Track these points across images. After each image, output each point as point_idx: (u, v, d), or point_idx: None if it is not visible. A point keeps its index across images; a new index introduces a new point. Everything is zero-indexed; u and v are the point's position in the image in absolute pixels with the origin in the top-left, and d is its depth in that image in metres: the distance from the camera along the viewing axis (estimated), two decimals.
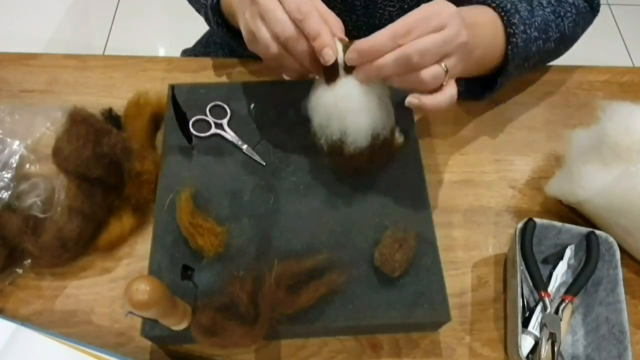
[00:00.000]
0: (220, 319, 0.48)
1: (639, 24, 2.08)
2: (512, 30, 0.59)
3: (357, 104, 0.51)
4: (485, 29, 0.59)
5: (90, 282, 0.57)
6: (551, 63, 0.77)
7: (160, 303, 0.40)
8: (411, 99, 0.50)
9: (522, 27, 0.60)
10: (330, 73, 0.51)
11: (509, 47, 0.60)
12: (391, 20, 0.70)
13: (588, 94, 0.75)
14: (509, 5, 0.60)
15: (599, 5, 0.71)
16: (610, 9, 2.08)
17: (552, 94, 0.75)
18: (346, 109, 0.51)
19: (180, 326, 0.48)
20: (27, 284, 0.57)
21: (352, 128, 0.52)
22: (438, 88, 0.50)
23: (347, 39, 0.51)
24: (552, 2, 0.65)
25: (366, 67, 0.49)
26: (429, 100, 0.49)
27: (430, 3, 0.50)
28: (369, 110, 0.52)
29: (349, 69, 0.50)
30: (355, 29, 0.73)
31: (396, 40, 0.47)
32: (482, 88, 0.67)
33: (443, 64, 0.49)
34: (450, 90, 0.50)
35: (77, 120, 0.57)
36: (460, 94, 0.57)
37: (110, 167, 0.57)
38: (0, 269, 0.55)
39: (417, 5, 0.68)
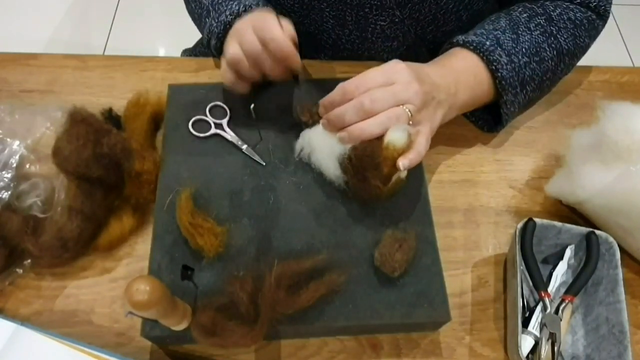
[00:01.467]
0: (220, 319, 0.48)
1: (639, 24, 2.08)
2: (494, 67, 0.62)
3: (321, 149, 0.58)
4: (464, 74, 0.62)
5: (90, 282, 0.57)
6: None
7: (160, 303, 0.40)
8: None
9: (505, 59, 0.62)
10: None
11: (497, 81, 0.62)
12: (383, 33, 0.72)
13: (588, 94, 0.75)
14: (487, 44, 0.62)
15: (607, 11, 0.70)
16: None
17: (552, 94, 0.75)
18: (311, 152, 0.59)
19: (180, 326, 0.48)
20: (27, 284, 0.57)
21: (323, 167, 0.58)
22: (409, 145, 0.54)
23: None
24: (542, 23, 0.66)
25: (328, 115, 0.56)
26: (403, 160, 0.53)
27: (381, 65, 0.57)
28: (329, 154, 0.57)
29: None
30: (349, 43, 0.74)
31: (346, 96, 0.55)
32: (493, 118, 0.70)
33: (405, 107, 0.54)
34: (421, 138, 0.55)
35: (77, 120, 0.57)
36: (479, 125, 0.70)
37: (110, 167, 0.57)
38: (0, 269, 0.55)
39: (408, 18, 0.69)
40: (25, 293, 0.56)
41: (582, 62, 0.77)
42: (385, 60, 0.59)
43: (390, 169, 0.53)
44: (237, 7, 0.64)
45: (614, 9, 2.20)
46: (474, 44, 0.63)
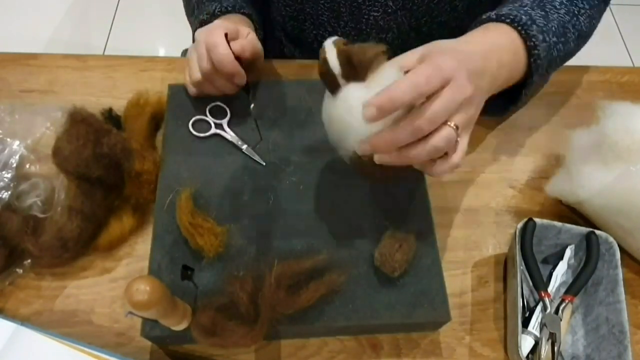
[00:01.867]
0: (220, 319, 0.48)
1: (639, 24, 2.08)
2: (532, 43, 0.56)
3: (360, 117, 0.46)
4: (504, 51, 0.56)
5: (90, 282, 0.57)
6: None
7: (160, 303, 0.40)
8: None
9: (540, 37, 0.57)
10: (330, 82, 0.49)
11: (532, 59, 0.57)
12: (377, 25, 0.72)
13: (588, 94, 0.75)
14: (524, 18, 0.57)
15: None
16: (610, 9, 2.08)
17: (552, 94, 0.75)
18: (352, 122, 0.48)
19: (180, 326, 0.48)
20: (27, 284, 0.57)
21: (337, 141, 0.50)
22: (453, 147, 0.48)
23: (342, 40, 0.50)
24: (564, 2, 0.62)
25: (380, 140, 0.47)
26: (439, 168, 0.49)
27: (434, 55, 0.49)
28: (357, 136, 0.48)
29: (348, 76, 0.48)
30: (344, 35, 0.74)
31: (404, 97, 0.45)
32: (505, 102, 0.64)
33: (452, 123, 0.47)
34: (462, 146, 0.50)
35: (77, 120, 0.57)
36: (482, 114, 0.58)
37: (110, 167, 0.57)
38: (0, 269, 0.55)
39: (402, 9, 0.68)
40: (25, 293, 0.56)
41: (582, 62, 0.77)
42: None
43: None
44: (212, 8, 0.66)
45: (614, 9, 2.20)
46: (511, 17, 0.57)
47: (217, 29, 0.60)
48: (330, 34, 0.74)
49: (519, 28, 0.57)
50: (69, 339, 0.50)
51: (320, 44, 0.67)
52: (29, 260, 0.56)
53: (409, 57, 0.50)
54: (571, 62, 0.75)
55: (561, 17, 0.61)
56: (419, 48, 0.52)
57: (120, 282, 0.57)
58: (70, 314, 0.55)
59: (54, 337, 0.50)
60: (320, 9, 0.72)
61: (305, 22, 0.73)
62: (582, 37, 0.65)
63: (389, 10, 0.70)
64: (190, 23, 0.77)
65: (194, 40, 0.69)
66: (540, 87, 0.66)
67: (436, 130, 0.46)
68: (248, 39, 0.63)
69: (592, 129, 0.60)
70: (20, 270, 0.56)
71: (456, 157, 0.49)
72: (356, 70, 0.48)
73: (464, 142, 0.50)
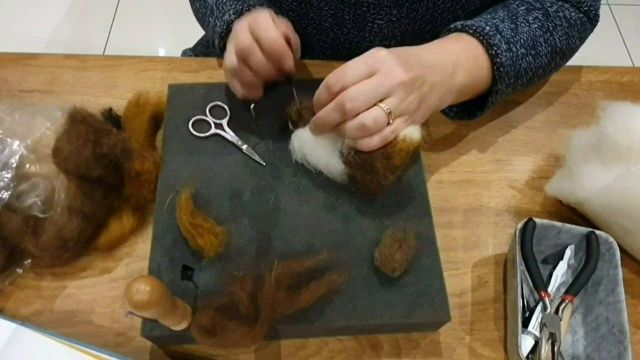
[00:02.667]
0: (220, 319, 0.48)
1: (639, 24, 2.08)
2: (494, 52, 0.59)
3: (320, 145, 0.57)
4: (461, 54, 0.59)
5: (90, 282, 0.57)
6: None
7: (160, 303, 0.40)
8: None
9: (505, 46, 0.60)
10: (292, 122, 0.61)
11: (495, 67, 0.60)
12: (380, 32, 0.72)
13: (588, 94, 0.75)
14: (487, 28, 0.60)
15: (597, 15, 0.70)
16: (610, 9, 2.08)
17: (552, 94, 0.75)
18: (307, 153, 0.58)
19: (180, 326, 0.48)
20: (27, 284, 0.57)
21: (322, 165, 0.58)
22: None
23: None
24: (540, 17, 0.65)
25: (313, 120, 0.55)
26: (363, 143, 0.53)
27: (363, 54, 0.54)
28: (325, 151, 0.57)
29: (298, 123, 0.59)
30: (347, 42, 0.74)
31: (330, 90, 0.53)
32: (474, 108, 0.66)
33: (384, 105, 0.52)
34: (393, 128, 0.53)
35: (77, 120, 0.57)
36: (450, 116, 0.67)
37: (110, 167, 0.57)
38: (0, 269, 0.55)
39: (405, 17, 0.69)
40: (25, 293, 0.56)
41: (582, 62, 0.77)
42: None
43: (403, 160, 0.54)
44: (240, 7, 0.64)
45: (614, 9, 2.20)
46: (474, 28, 0.60)
47: (263, 13, 0.58)
48: (333, 40, 0.74)
49: (480, 38, 0.60)
50: (69, 339, 0.50)
51: (322, 50, 0.67)
52: (29, 260, 0.56)
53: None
54: (571, 62, 0.75)
55: (533, 31, 0.64)
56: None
57: (120, 282, 0.57)
58: (70, 314, 0.55)
59: (54, 337, 0.50)
60: (324, 16, 0.72)
61: (308, 27, 0.73)
62: (558, 54, 0.66)
63: (393, 19, 0.70)
64: (204, 25, 0.76)
65: (213, 44, 0.69)
66: (510, 95, 0.67)
67: (367, 109, 0.52)
68: (289, 25, 0.62)
69: (592, 129, 0.60)
70: (20, 270, 0.56)
71: (385, 132, 0.53)
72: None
73: (398, 125, 0.53)
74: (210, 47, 0.78)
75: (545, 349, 0.53)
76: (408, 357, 0.55)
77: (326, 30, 0.74)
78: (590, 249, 0.57)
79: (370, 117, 0.52)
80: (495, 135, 0.70)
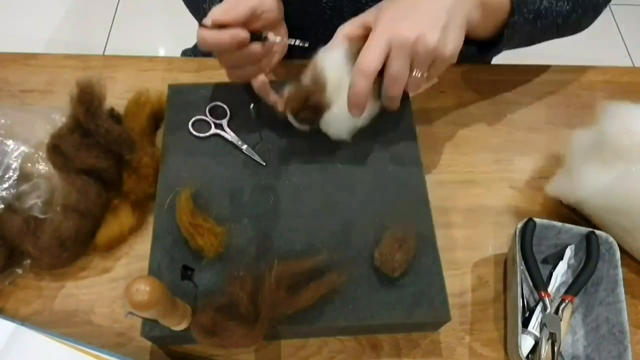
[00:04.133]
0: (220, 319, 0.48)
1: (639, 24, 2.08)
2: None
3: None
4: None
5: (90, 282, 0.57)
6: (551, 63, 0.77)
7: (160, 303, 0.40)
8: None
9: None
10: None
11: None
12: None
13: (588, 94, 0.75)
14: None
15: None
16: (610, 9, 2.08)
17: (552, 94, 0.75)
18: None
19: (180, 326, 0.48)
20: (27, 284, 0.57)
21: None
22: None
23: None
24: None
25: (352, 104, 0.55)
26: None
27: (377, 27, 0.54)
28: None
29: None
30: None
31: (368, 77, 0.53)
32: (491, 45, 0.66)
33: (417, 72, 0.54)
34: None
35: (82, 88, 0.58)
36: (465, 57, 0.62)
37: (107, 157, 0.57)
38: (0, 269, 0.55)
39: None
40: (25, 293, 0.56)
41: (582, 62, 0.77)
42: None
43: None
44: None
45: (614, 9, 2.20)
46: None
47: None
48: (332, 32, 0.74)
49: None
50: (69, 339, 0.50)
51: (322, 43, 0.67)
52: (29, 260, 0.56)
53: (352, 29, 0.59)
54: (572, 62, 0.75)
55: None
56: (359, 16, 0.59)
57: (120, 282, 0.57)
58: (70, 314, 0.55)
59: (54, 337, 0.50)
60: (323, 8, 0.72)
61: (307, 20, 0.73)
62: (580, 4, 0.65)
63: None
64: (198, 15, 0.75)
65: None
66: (532, 40, 0.67)
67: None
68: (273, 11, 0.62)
69: (592, 129, 0.60)
70: (20, 270, 0.56)
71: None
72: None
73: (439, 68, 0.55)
74: None
75: (545, 349, 0.53)
76: (408, 357, 0.55)
77: (325, 22, 0.74)
78: (590, 249, 0.57)
79: (414, 84, 0.55)
80: (495, 135, 0.70)
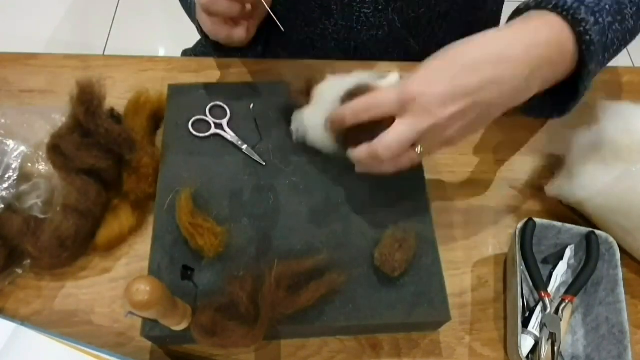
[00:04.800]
0: (220, 319, 0.48)
1: None
2: (582, 29, 0.48)
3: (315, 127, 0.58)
4: (547, 48, 0.48)
5: (90, 282, 0.57)
6: None
7: (160, 303, 0.40)
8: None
9: (592, 19, 0.49)
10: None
11: (584, 47, 0.49)
12: (368, 22, 0.73)
13: (588, 94, 0.75)
14: (569, 1, 0.49)
15: None
16: None
17: None
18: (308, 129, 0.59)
19: (181, 326, 0.48)
20: (27, 284, 0.57)
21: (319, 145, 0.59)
22: None
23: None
24: None
25: (359, 166, 0.54)
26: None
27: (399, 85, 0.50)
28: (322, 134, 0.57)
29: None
30: (336, 33, 0.75)
31: (357, 116, 0.51)
32: (556, 103, 0.56)
33: (418, 148, 0.50)
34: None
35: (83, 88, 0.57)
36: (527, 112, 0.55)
37: (107, 157, 0.57)
38: (0, 269, 0.55)
39: (392, 5, 0.68)
40: (25, 293, 0.56)
41: None
42: (372, 51, 0.57)
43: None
44: None
45: None
46: (553, 3, 0.49)
47: None
48: (322, 31, 0.74)
49: (564, 13, 0.48)
50: (69, 339, 0.50)
51: (311, 42, 0.66)
52: (29, 260, 0.56)
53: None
54: None
55: None
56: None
57: (120, 282, 0.57)
58: (70, 314, 0.55)
59: (54, 337, 0.50)
60: (312, 7, 0.72)
61: (296, 20, 0.73)
62: None
63: (380, 7, 0.71)
64: (188, 9, 0.75)
65: (197, 23, 0.68)
66: (596, 74, 0.54)
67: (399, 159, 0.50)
68: None
69: (593, 129, 0.60)
70: (20, 270, 0.56)
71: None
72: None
73: (431, 148, 0.51)
74: (200, 36, 0.77)
75: (545, 349, 0.53)
76: (408, 357, 0.55)
77: (315, 21, 0.74)
78: (590, 249, 0.57)
79: (406, 162, 0.51)
80: (495, 135, 0.70)
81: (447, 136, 0.49)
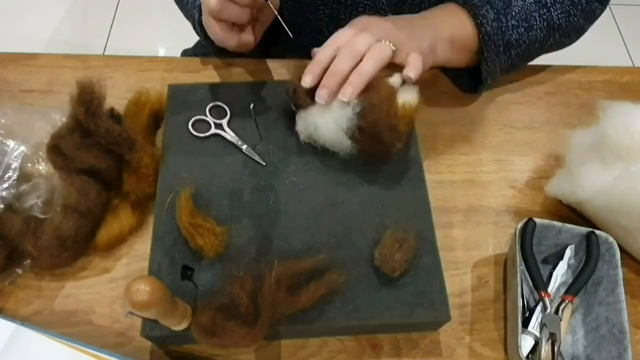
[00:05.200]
0: (220, 319, 0.48)
1: (639, 24, 2.08)
2: (479, 21, 0.63)
3: (325, 125, 0.58)
4: (445, 15, 0.65)
5: (90, 282, 0.57)
6: (551, 62, 0.77)
7: (160, 303, 0.40)
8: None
9: (492, 16, 0.64)
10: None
11: (480, 36, 0.63)
12: None
13: (588, 94, 0.75)
14: (477, 1, 0.64)
15: None
16: (610, 9, 2.08)
17: (552, 94, 0.75)
18: (312, 132, 0.60)
19: (181, 326, 0.48)
20: (27, 284, 0.57)
21: (328, 143, 0.60)
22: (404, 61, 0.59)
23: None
24: None
25: (324, 82, 0.57)
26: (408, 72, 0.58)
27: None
28: (330, 130, 0.58)
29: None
30: None
31: (332, 47, 0.58)
32: (475, 82, 0.70)
33: (386, 42, 0.58)
34: (413, 58, 0.58)
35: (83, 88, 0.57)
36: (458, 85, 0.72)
37: (107, 157, 0.57)
38: (0, 269, 0.55)
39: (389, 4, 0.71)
40: (25, 293, 0.56)
41: (582, 62, 0.77)
42: None
43: (407, 126, 0.59)
44: None
45: (614, 9, 2.20)
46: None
47: None
48: (327, 39, 0.74)
49: (467, 7, 0.64)
50: (69, 339, 0.50)
51: (314, 47, 0.67)
52: (29, 260, 0.56)
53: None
54: (572, 62, 0.75)
55: (527, 5, 0.67)
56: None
57: (120, 282, 0.57)
58: (70, 314, 0.55)
59: (54, 337, 0.50)
60: (320, 15, 0.72)
61: (303, 27, 0.73)
62: (556, 30, 0.68)
63: (378, 6, 0.71)
64: (185, 9, 0.75)
65: (196, 27, 0.69)
66: (512, 69, 0.71)
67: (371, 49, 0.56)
68: None
69: (592, 129, 0.60)
70: (20, 270, 0.56)
71: (412, 64, 0.58)
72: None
73: (413, 52, 0.59)
74: (198, 34, 0.77)
75: (545, 349, 0.53)
76: (408, 357, 0.55)
77: (321, 29, 0.74)
78: (590, 249, 0.57)
79: (377, 50, 0.56)
80: (495, 135, 0.70)
81: (409, 36, 0.60)
